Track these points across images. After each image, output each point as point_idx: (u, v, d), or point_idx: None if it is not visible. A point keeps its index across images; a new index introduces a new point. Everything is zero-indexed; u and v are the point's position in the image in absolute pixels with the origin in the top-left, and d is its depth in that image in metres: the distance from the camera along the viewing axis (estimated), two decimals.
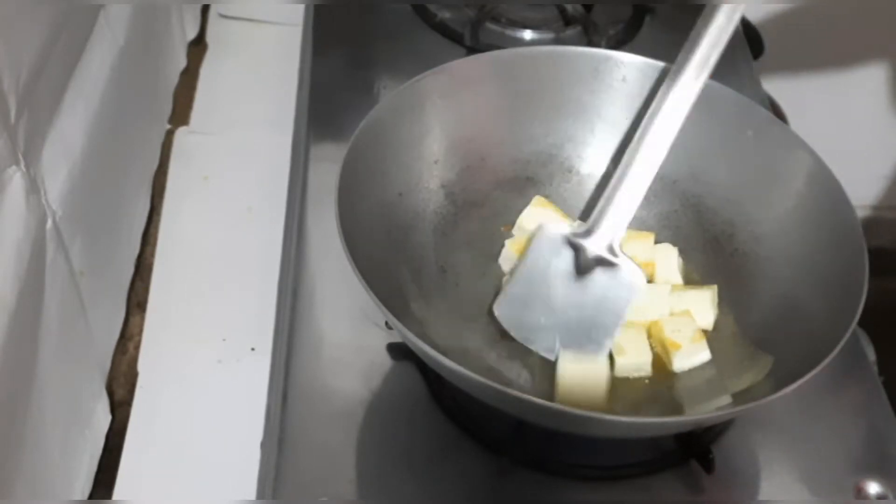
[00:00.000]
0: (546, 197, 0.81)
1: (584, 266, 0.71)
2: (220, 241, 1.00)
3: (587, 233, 0.71)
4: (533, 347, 0.72)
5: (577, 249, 0.71)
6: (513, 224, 0.79)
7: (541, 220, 0.76)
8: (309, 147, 0.91)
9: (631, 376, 0.72)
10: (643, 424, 0.66)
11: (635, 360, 0.71)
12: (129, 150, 0.98)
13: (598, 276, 0.71)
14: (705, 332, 0.73)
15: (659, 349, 0.72)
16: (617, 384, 0.71)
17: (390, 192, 0.75)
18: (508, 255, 0.77)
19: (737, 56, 1.05)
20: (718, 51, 0.69)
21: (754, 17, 1.14)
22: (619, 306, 0.71)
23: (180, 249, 1.00)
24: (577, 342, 0.70)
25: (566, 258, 0.71)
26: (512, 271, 0.75)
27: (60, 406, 0.76)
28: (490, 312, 0.75)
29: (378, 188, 0.74)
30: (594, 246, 0.71)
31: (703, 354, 0.72)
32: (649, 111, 0.71)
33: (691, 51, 0.69)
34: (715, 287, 0.75)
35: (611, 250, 0.71)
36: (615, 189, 0.71)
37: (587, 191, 0.82)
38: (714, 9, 0.69)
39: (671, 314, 0.73)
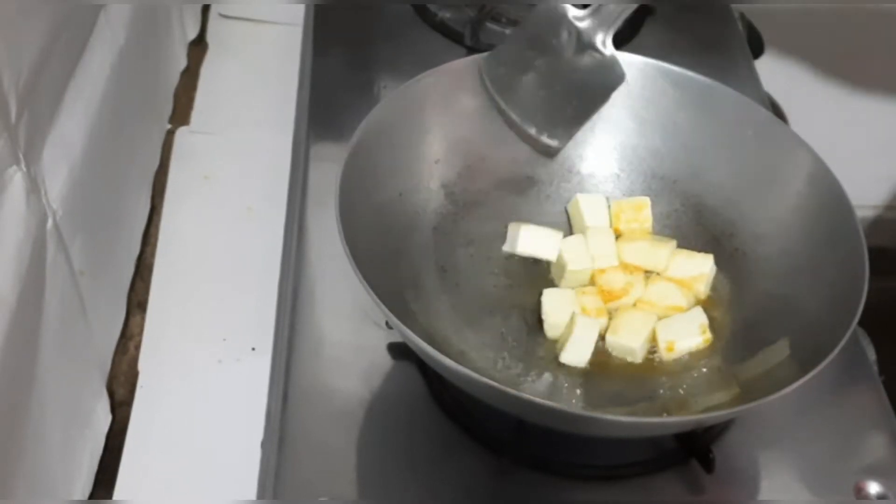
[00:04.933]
0: (547, 197, 0.81)
1: (576, 48, 0.71)
2: (220, 241, 1.00)
3: (587, 16, 0.71)
4: (506, 109, 0.71)
5: (572, 30, 0.71)
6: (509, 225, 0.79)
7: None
8: (309, 147, 0.91)
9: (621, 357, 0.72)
10: (643, 424, 0.66)
11: (626, 343, 0.72)
12: (129, 150, 0.98)
13: (586, 60, 0.70)
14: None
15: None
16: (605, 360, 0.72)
17: (390, 192, 0.75)
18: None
19: (737, 56, 1.05)
20: None
21: (754, 17, 1.14)
22: (597, 96, 0.71)
23: (180, 249, 1.00)
24: (549, 120, 0.70)
25: (561, 35, 0.71)
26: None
27: (60, 406, 0.76)
28: (490, 311, 0.75)
29: (378, 188, 0.74)
30: (590, 31, 0.70)
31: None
32: None
33: None
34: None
35: (604, 40, 0.70)
36: None
37: (587, 191, 0.82)
38: None
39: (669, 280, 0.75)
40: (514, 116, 0.71)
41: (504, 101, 0.71)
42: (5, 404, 0.67)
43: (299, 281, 0.80)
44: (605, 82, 0.70)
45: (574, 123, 0.71)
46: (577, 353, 0.71)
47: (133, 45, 0.95)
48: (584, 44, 0.70)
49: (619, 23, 0.70)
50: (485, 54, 0.73)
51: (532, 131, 0.71)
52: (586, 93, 0.71)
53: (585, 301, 0.74)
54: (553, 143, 0.71)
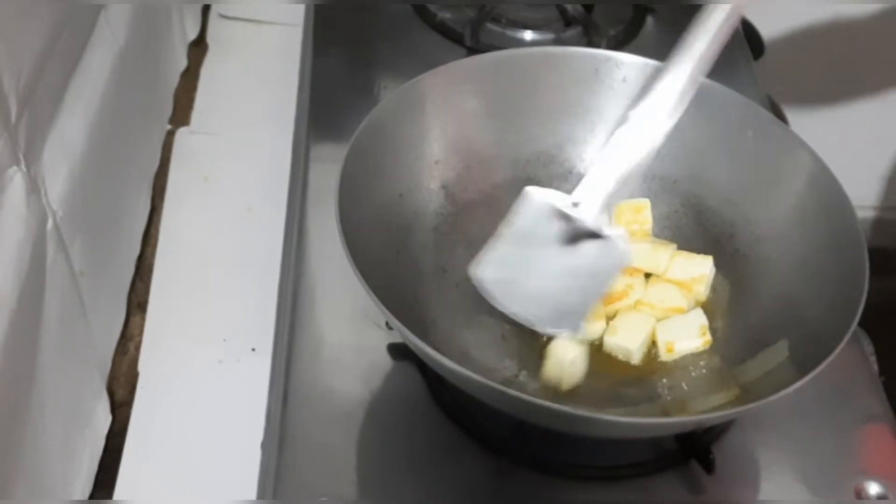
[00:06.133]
0: None
1: (572, 236, 0.67)
2: (220, 241, 1.00)
3: (577, 203, 0.66)
4: (511, 314, 0.68)
5: (565, 219, 0.66)
6: None
7: None
8: (309, 147, 0.91)
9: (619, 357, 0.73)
10: (643, 425, 0.66)
11: (624, 345, 0.72)
12: (129, 151, 0.98)
13: (586, 247, 0.66)
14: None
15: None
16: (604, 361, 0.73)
17: (390, 192, 0.76)
18: None
19: (737, 56, 1.05)
20: (717, 47, 0.67)
21: (754, 17, 1.14)
22: (601, 280, 0.68)
23: (181, 249, 1.00)
24: (555, 314, 0.68)
25: (554, 226, 0.67)
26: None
27: (60, 406, 0.76)
28: (490, 312, 0.75)
29: (378, 188, 0.74)
30: (585, 217, 0.66)
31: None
32: (645, 87, 0.66)
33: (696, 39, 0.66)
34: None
35: (601, 222, 0.66)
36: (608, 159, 0.66)
37: None
38: (712, 8, 0.67)
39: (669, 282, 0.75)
40: (520, 318, 0.68)
41: (507, 305, 0.68)
42: (5, 404, 0.67)
43: (299, 281, 0.80)
44: (609, 263, 0.67)
45: (581, 309, 0.68)
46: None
47: (133, 46, 0.95)
48: (580, 231, 0.66)
49: (616, 202, 0.67)
50: (476, 263, 0.68)
51: (541, 328, 0.69)
52: (591, 277, 0.67)
53: None
54: (563, 332, 0.70)
